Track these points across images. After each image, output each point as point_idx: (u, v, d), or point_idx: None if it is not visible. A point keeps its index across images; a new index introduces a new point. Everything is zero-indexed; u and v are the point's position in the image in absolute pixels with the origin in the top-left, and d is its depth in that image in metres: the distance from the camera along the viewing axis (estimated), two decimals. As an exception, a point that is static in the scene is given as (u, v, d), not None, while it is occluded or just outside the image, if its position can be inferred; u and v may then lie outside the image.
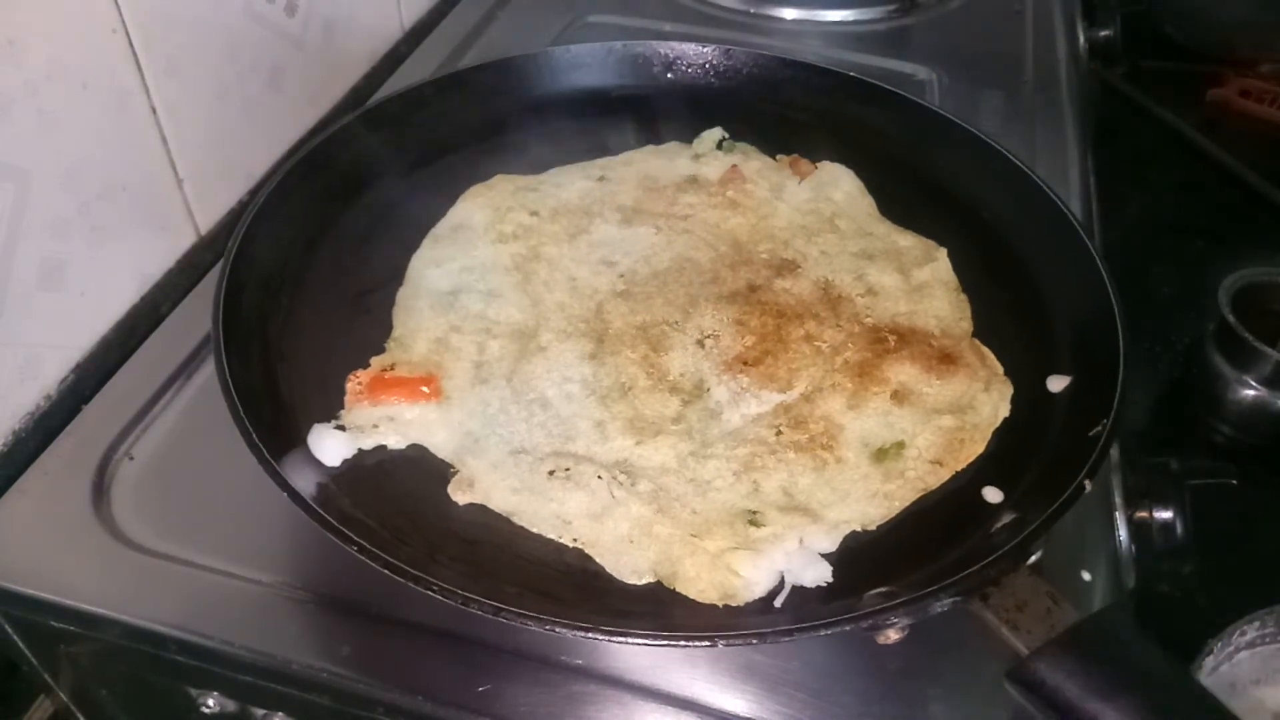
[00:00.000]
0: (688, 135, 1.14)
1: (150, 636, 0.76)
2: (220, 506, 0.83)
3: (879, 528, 0.78)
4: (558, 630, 0.65)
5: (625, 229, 1.01)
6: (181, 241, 1.05)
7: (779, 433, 0.83)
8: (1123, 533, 0.87)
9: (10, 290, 0.85)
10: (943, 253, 1.00)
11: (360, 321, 0.92)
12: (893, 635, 0.69)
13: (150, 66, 0.95)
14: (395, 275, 0.96)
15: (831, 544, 0.76)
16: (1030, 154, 1.19)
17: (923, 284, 0.96)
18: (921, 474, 0.81)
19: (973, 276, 0.98)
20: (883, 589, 0.70)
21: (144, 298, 1.01)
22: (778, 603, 0.72)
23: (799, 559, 0.74)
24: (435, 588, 0.66)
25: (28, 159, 0.84)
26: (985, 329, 0.93)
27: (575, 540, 0.76)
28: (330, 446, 0.80)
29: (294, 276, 0.94)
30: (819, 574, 0.73)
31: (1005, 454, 0.83)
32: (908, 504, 0.79)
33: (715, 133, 1.13)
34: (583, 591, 0.73)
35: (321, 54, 1.22)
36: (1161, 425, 1.20)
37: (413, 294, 0.94)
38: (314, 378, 0.86)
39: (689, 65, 1.20)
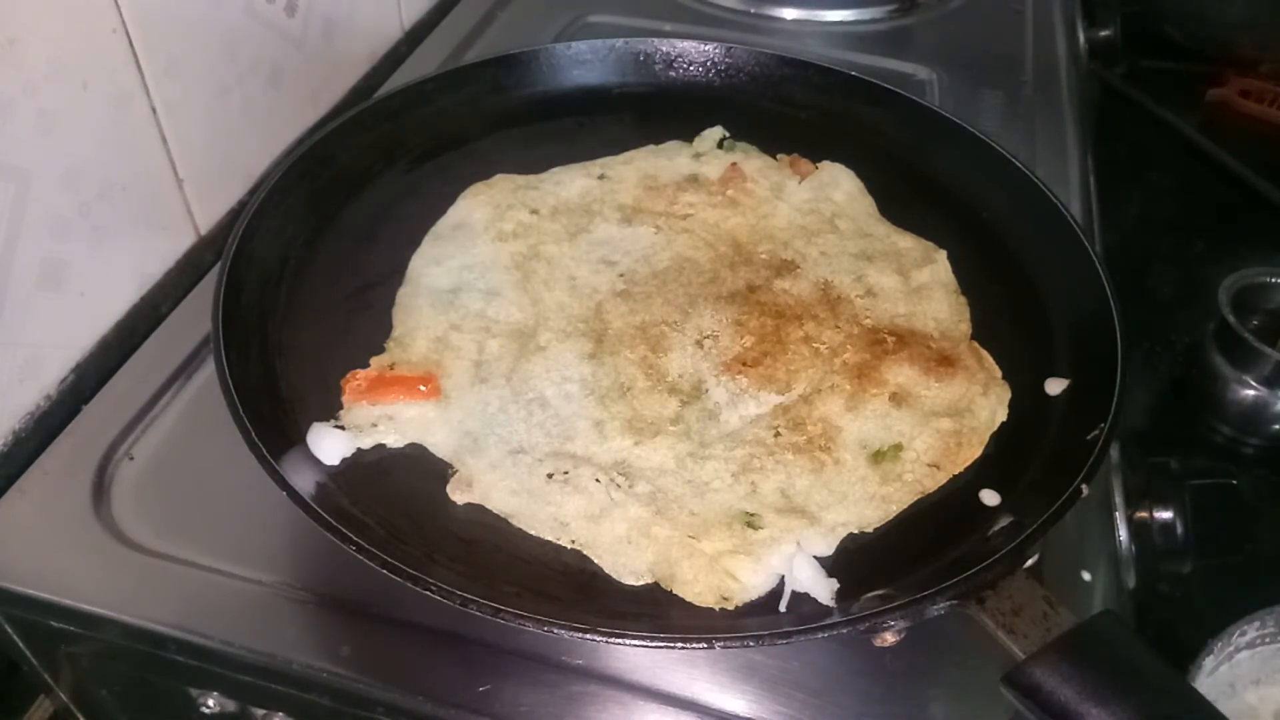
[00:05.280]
0: (688, 134, 1.13)
1: (150, 636, 0.77)
2: (220, 506, 0.83)
3: (876, 530, 0.78)
4: (555, 631, 0.65)
5: (625, 228, 1.02)
6: (181, 241, 1.06)
7: (777, 434, 0.83)
8: (1123, 533, 0.87)
9: (10, 290, 0.85)
10: (942, 254, 1.00)
11: (360, 320, 0.92)
12: (889, 638, 0.69)
13: (150, 66, 0.95)
14: (395, 273, 0.96)
15: (829, 547, 0.76)
16: (1030, 154, 1.20)
17: (922, 286, 0.96)
18: (919, 477, 0.81)
19: (972, 278, 0.98)
20: (879, 592, 0.70)
21: (144, 298, 1.01)
22: (782, 607, 0.73)
23: (803, 569, 0.74)
24: (433, 588, 0.66)
25: (28, 159, 0.84)
26: (984, 331, 0.93)
27: (573, 542, 0.76)
28: (329, 445, 0.80)
29: (294, 274, 0.94)
30: (825, 590, 0.73)
31: (1003, 457, 0.83)
32: (905, 507, 0.79)
33: (716, 131, 1.13)
34: (581, 592, 0.74)
35: (321, 54, 1.22)
36: (1161, 425, 1.20)
37: (413, 292, 0.94)
38: (313, 376, 0.86)
39: (690, 63, 1.20)
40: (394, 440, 0.82)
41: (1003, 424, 0.85)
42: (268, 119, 1.15)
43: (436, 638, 0.75)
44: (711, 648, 0.67)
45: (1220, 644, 0.85)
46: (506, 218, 1.01)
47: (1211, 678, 0.85)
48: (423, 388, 0.84)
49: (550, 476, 0.79)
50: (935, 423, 0.84)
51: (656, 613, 0.72)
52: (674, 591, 0.73)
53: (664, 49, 1.19)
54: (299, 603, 0.77)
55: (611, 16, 1.47)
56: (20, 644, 0.85)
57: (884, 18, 1.50)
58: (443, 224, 1.01)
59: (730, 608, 0.73)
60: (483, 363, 0.88)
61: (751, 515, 0.77)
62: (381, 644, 0.76)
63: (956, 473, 0.82)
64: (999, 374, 0.89)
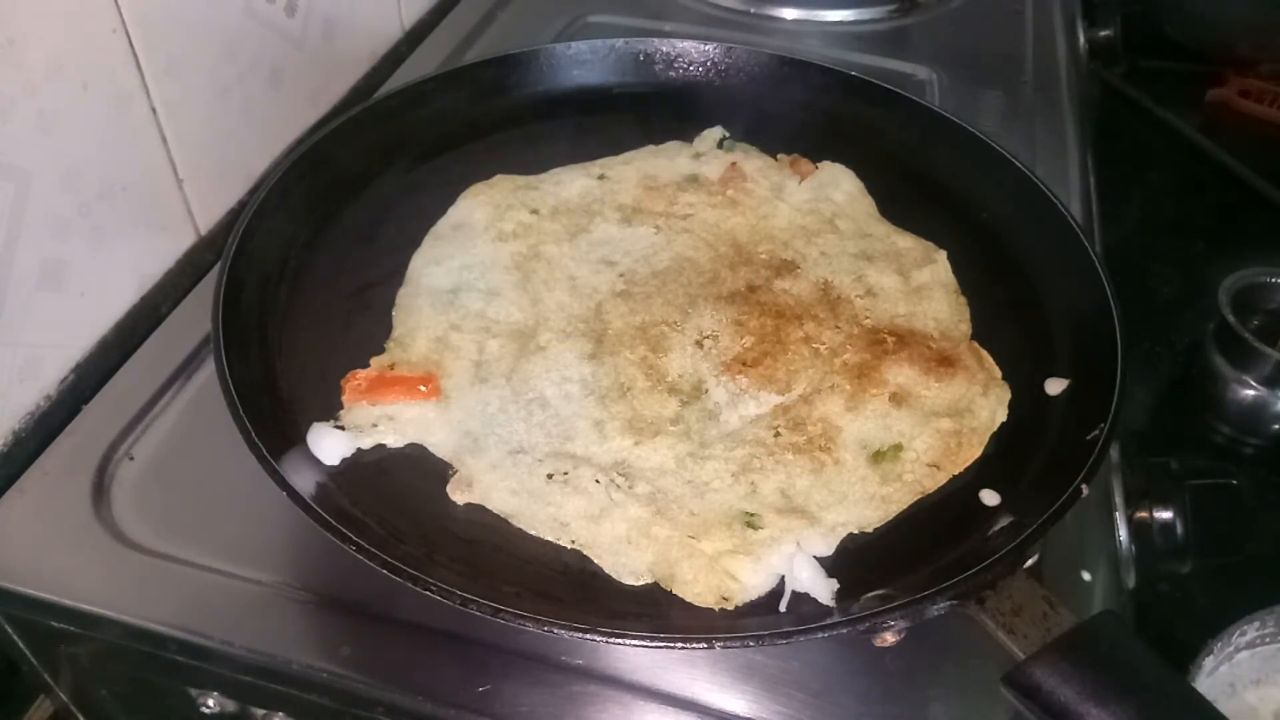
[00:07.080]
0: (688, 134, 1.14)
1: (150, 636, 0.77)
2: (220, 506, 0.84)
3: (876, 530, 0.78)
4: (555, 631, 0.65)
5: (625, 228, 1.02)
6: (181, 241, 1.06)
7: (777, 434, 0.83)
8: (1123, 533, 0.87)
9: (10, 290, 0.85)
10: (942, 254, 1.00)
11: (360, 320, 0.92)
12: (889, 638, 0.69)
13: (150, 66, 0.95)
14: (395, 273, 0.96)
15: (828, 547, 0.76)
16: (1030, 154, 1.20)
17: (922, 286, 0.96)
18: (919, 477, 0.81)
19: (972, 278, 0.98)
20: (879, 592, 0.70)
21: (144, 298, 1.01)
22: (782, 607, 0.73)
23: (803, 569, 0.74)
24: (433, 588, 0.66)
25: (28, 159, 0.84)
26: (984, 331, 0.93)
27: (573, 542, 0.76)
28: (329, 445, 0.80)
29: (294, 274, 0.94)
30: (825, 590, 0.73)
31: (1003, 457, 0.83)
32: (905, 507, 0.79)
33: (716, 131, 1.13)
34: (581, 592, 0.74)
35: (321, 54, 1.22)
36: (1161, 425, 1.20)
37: (413, 293, 0.94)
38: (314, 376, 0.86)
39: (690, 63, 1.20)
40: (394, 440, 0.82)
41: (1003, 424, 0.85)
42: (268, 119, 1.15)
43: (436, 638, 0.75)
44: (711, 648, 0.67)
45: (1220, 644, 0.85)
46: (506, 218, 1.01)
47: (1211, 678, 0.85)
48: (423, 388, 0.84)
49: (550, 477, 0.79)
50: (935, 423, 0.84)
51: (656, 613, 0.73)
52: (674, 591, 0.73)
53: (664, 49, 1.19)
54: (299, 603, 0.78)
55: (611, 16, 1.47)
56: (20, 644, 0.85)
57: (884, 18, 1.50)
58: (443, 224, 1.01)
59: (730, 608, 0.73)
60: (483, 363, 0.88)
61: (751, 515, 0.77)
62: (381, 644, 0.76)
63: (956, 473, 0.82)
64: (999, 374, 0.89)
